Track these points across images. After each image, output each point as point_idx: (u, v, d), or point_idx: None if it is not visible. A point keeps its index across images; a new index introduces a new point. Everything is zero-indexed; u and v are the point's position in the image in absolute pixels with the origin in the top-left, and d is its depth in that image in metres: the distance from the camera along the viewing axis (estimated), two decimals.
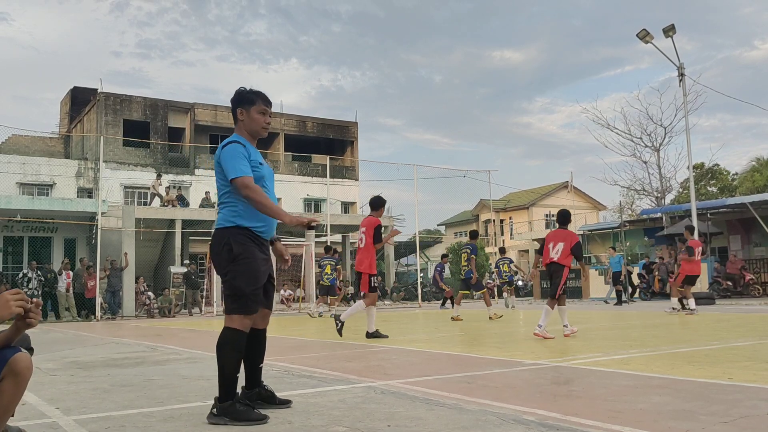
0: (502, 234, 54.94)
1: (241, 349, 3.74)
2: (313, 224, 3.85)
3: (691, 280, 14.11)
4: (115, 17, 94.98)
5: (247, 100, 3.93)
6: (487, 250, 43.47)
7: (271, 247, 4.08)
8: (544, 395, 4.27)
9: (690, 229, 15.04)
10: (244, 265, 3.73)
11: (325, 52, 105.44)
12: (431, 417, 3.65)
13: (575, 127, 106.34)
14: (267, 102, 3.99)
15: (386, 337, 9.18)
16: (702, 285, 20.73)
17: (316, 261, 23.27)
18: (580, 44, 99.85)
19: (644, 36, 20.87)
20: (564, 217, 9.39)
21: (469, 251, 13.97)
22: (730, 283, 23.09)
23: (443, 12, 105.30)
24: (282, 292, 26.92)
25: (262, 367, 4.07)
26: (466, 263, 13.96)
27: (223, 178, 3.81)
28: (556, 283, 8.92)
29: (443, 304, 22.23)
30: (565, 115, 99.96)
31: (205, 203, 27.69)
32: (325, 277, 17.80)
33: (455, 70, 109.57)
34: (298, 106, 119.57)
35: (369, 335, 9.21)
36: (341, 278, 22.18)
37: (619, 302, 20.66)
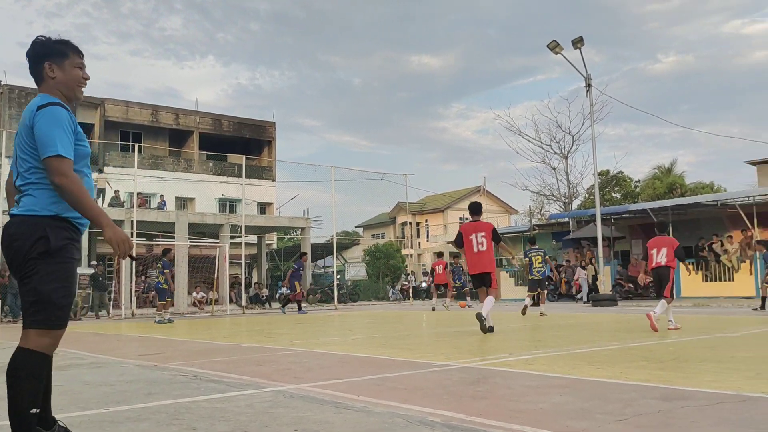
0: (418, 236, 55.64)
1: (42, 377, 2.88)
2: (132, 256, 3.10)
3: None
4: (22, 6, 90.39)
5: (57, 51, 3.07)
6: (404, 252, 43.90)
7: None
8: (450, 396, 4.35)
9: None
10: (60, 266, 2.90)
11: (242, 50, 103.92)
12: (339, 420, 3.65)
13: (489, 133, 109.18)
14: (81, 54, 3.17)
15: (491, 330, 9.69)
16: (605, 287, 21.65)
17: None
18: (495, 53, 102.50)
19: (554, 47, 21.61)
20: (663, 225, 11.26)
21: (542, 254, 15.80)
22: (631, 285, 24.21)
23: (363, 15, 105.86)
24: (194, 294, 26.29)
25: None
26: (541, 265, 15.57)
27: (35, 149, 2.91)
28: (665, 283, 10.00)
29: (284, 306, 22.09)
30: (479, 121, 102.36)
31: (115, 202, 26.71)
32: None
33: (374, 73, 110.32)
34: (215, 104, 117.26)
35: (479, 316, 9.58)
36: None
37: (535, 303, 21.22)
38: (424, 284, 32.96)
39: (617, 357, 6.38)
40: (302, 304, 21.96)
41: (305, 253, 23.66)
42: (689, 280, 23.04)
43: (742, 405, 3.87)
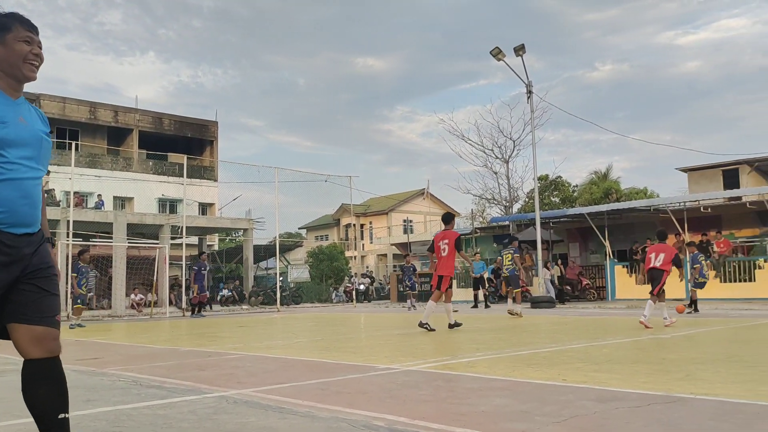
0: (362, 238, 55.71)
1: None
2: None
3: None
4: None
5: None
6: (347, 253, 43.89)
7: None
8: (394, 400, 4.40)
9: None
10: None
11: (184, 47, 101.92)
12: (283, 426, 3.66)
13: (433, 137, 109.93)
14: (31, 26, 2.73)
15: (461, 324, 11.21)
16: (543, 289, 22.13)
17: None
18: (439, 57, 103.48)
19: (497, 53, 22.01)
20: (663, 234, 12.02)
21: (512, 253, 15.94)
22: (569, 287, 24.84)
23: (307, 15, 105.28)
24: (132, 296, 25.68)
25: (66, 419, 2.64)
26: (510, 263, 15.62)
27: None
28: (656, 284, 11.23)
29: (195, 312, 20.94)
30: (423, 124, 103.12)
31: (50, 201, 25.86)
32: None
33: (319, 74, 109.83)
34: (155, 102, 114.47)
35: (451, 326, 10.99)
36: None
37: (476, 305, 21.56)
38: (362, 286, 32.95)
39: (555, 359, 6.56)
40: (243, 305, 21.69)
41: (204, 253, 22.62)
42: (623, 283, 23.79)
43: (672, 406, 4.05)
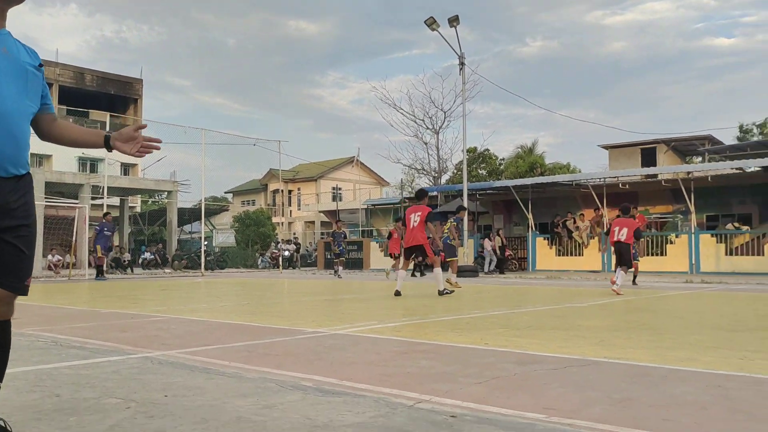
0: (290, 205, 55.33)
1: None
2: None
3: None
4: None
5: None
6: (274, 219, 43.53)
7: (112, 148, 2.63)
8: (322, 362, 4.46)
9: None
10: None
11: (108, 1, 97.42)
12: (210, 386, 3.66)
13: (364, 104, 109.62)
14: None
15: (452, 292, 11.69)
16: (468, 258, 22.64)
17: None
18: (373, 24, 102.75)
19: (431, 23, 22.04)
20: (627, 209, 13.18)
21: (451, 221, 15.65)
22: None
23: None
24: (50, 257, 24.77)
25: None
26: (446, 232, 15.31)
27: None
28: (625, 256, 12.41)
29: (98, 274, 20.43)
30: (355, 91, 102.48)
31: None
32: None
33: (250, 35, 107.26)
34: (76, 57, 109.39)
35: (441, 293, 11.20)
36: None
37: (414, 273, 21.76)
38: (287, 252, 32.79)
39: (478, 324, 6.77)
40: (166, 269, 21.25)
41: (108, 213, 21.59)
42: (544, 254, 24.58)
43: (587, 368, 4.26)
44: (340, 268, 21.38)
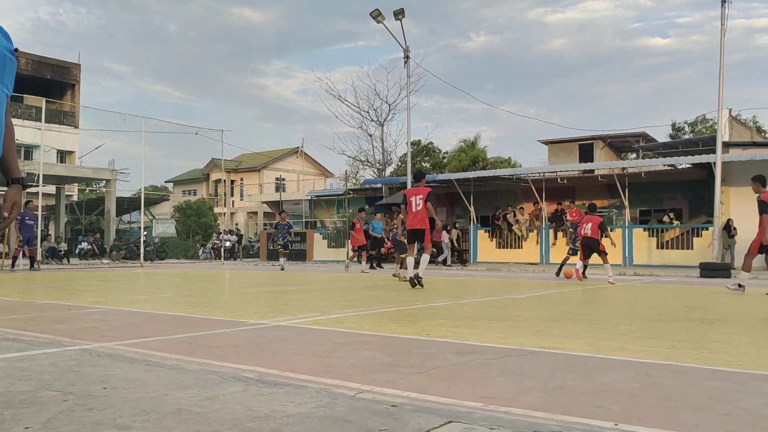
0: (232, 195, 54.62)
1: None
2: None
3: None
4: None
5: None
6: (216, 210, 42.92)
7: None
8: (264, 353, 4.47)
9: (761, 179, 10.38)
10: None
11: None
12: (150, 378, 3.63)
13: (309, 95, 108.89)
14: None
15: (422, 286, 10.98)
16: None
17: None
18: (318, 14, 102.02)
19: (377, 15, 22.07)
20: (593, 206, 14.40)
21: (401, 216, 15.17)
22: (435, 250, 25.77)
23: None
24: None
25: None
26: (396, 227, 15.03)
27: None
28: (595, 249, 13.61)
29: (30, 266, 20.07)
30: (300, 81, 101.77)
31: None
32: None
33: (193, 22, 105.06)
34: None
35: (414, 277, 10.97)
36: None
37: (373, 266, 21.49)
38: (227, 243, 32.37)
39: (420, 315, 6.87)
40: (104, 259, 20.70)
41: (30, 201, 21.13)
42: (485, 247, 25.00)
43: (524, 358, 4.40)
44: (284, 260, 21.03)
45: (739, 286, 10.37)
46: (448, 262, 23.99)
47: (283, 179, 52.30)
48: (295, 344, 4.90)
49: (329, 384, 3.48)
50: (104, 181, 31.30)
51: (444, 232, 24.44)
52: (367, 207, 26.15)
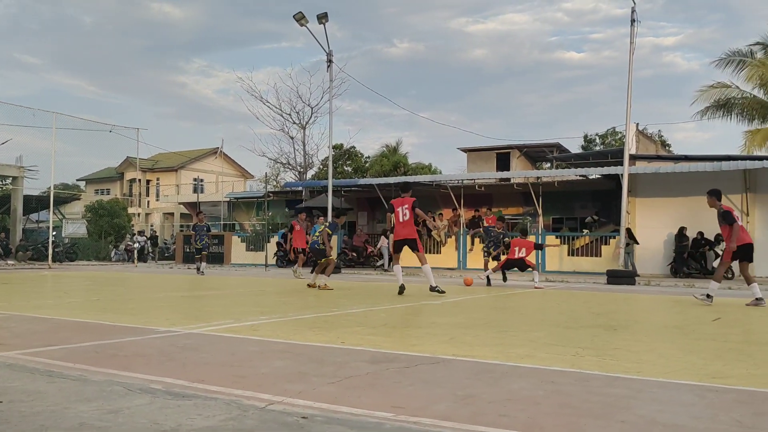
0: (148, 195, 53.04)
1: None
2: None
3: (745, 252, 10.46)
4: None
5: None
6: (130, 210, 41.57)
7: None
8: (174, 363, 4.37)
9: (717, 194, 10.87)
10: None
11: None
12: (52, 390, 3.49)
13: (230, 95, 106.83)
14: None
15: (444, 292, 11.19)
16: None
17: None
18: (241, 13, 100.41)
19: (300, 18, 21.94)
20: (525, 232, 15.80)
21: (326, 226, 14.35)
22: (354, 254, 25.84)
23: None
24: None
25: None
26: (318, 235, 14.07)
27: None
28: (526, 266, 14.51)
29: None
30: (221, 80, 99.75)
31: None
32: None
33: (109, 14, 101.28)
34: None
35: (432, 289, 11.06)
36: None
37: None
38: (137, 245, 31.28)
39: (336, 323, 6.88)
40: (9, 260, 19.70)
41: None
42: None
43: (436, 366, 4.48)
44: (203, 264, 19.54)
45: (708, 296, 10.24)
46: (386, 266, 24.10)
47: (202, 180, 51.19)
48: (206, 353, 4.81)
49: (239, 395, 3.44)
50: (11, 178, 29.80)
51: (383, 237, 24.55)
52: (315, 211, 25.90)
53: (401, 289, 11.17)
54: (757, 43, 30.04)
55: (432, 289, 11.07)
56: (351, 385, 3.77)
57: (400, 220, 11.52)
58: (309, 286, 13.03)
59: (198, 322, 6.70)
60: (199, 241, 19.32)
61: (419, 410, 3.21)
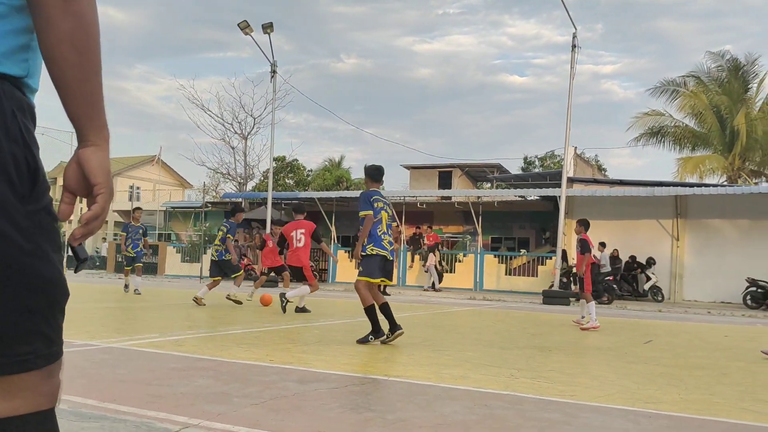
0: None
1: None
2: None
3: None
4: None
5: None
6: None
7: None
8: (87, 380, 4.06)
9: (585, 223, 11.09)
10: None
11: None
12: None
13: (172, 102, 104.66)
14: None
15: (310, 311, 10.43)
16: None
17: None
18: (187, 20, 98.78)
19: (245, 27, 21.62)
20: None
21: (225, 229, 11.95)
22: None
23: None
24: None
25: None
26: (220, 243, 11.98)
27: None
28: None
29: None
30: (164, 87, 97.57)
31: None
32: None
33: None
34: None
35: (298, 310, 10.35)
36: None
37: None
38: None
39: (266, 339, 6.62)
40: None
41: None
42: (344, 267, 25.02)
43: (367, 387, 4.30)
44: (139, 279, 14.84)
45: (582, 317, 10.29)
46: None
47: (138, 188, 49.83)
48: (123, 369, 4.51)
49: (152, 417, 3.19)
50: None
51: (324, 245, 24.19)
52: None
53: (281, 299, 10.04)
54: (690, 74, 31.23)
55: (281, 294, 10.19)
56: (276, 406, 3.55)
57: (294, 245, 10.75)
58: (229, 298, 11.72)
59: (119, 336, 6.34)
60: (132, 246, 14.90)
61: None
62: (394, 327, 6.71)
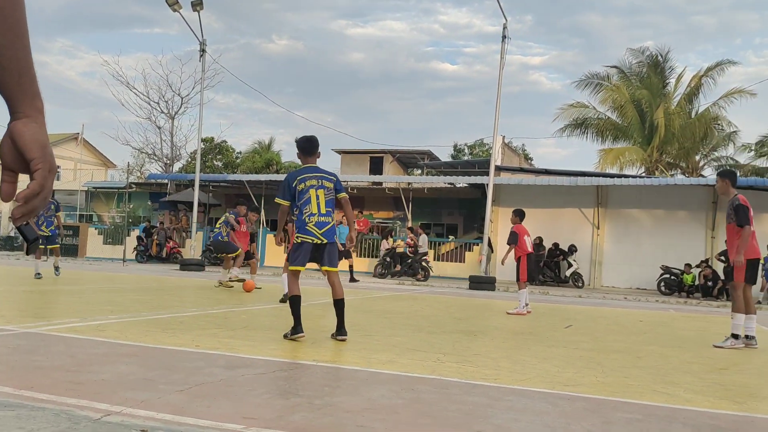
0: None
1: None
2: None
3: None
4: None
5: None
6: None
7: None
8: (2, 366, 3.90)
9: (521, 213, 11.01)
10: None
11: None
12: None
13: (96, 78, 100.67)
14: None
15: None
16: (196, 252, 21.96)
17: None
18: None
19: (173, 3, 20.98)
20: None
21: (227, 215, 13.07)
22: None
23: None
24: None
25: None
26: (220, 226, 12.94)
27: None
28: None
29: None
30: (87, 62, 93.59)
31: None
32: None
33: None
34: None
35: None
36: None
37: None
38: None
39: (193, 324, 6.51)
40: None
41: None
42: (273, 251, 24.82)
43: (294, 372, 4.30)
44: (58, 259, 13.48)
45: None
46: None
47: (59, 167, 47.83)
48: (41, 356, 4.35)
49: (72, 405, 3.09)
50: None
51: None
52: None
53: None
54: (614, 67, 32.28)
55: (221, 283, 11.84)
56: (201, 393, 3.51)
57: (242, 229, 12.33)
58: (221, 283, 12.42)
59: (37, 320, 6.10)
60: (46, 225, 12.96)
61: (272, 421, 3.02)
62: (339, 330, 5.94)
